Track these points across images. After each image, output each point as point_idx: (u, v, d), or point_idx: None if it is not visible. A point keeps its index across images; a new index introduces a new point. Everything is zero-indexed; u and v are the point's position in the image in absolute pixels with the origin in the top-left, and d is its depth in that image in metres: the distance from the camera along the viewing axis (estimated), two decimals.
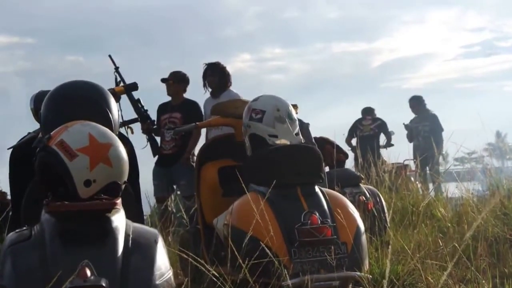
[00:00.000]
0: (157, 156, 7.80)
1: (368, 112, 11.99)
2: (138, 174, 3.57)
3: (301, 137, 4.27)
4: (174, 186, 8.03)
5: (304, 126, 4.61)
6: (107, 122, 3.04)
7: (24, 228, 2.75)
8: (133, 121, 5.56)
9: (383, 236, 5.65)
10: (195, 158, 8.08)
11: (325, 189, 4.02)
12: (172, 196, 8.06)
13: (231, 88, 7.63)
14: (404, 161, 10.64)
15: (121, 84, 6.10)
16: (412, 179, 10.06)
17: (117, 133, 3.14)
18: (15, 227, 3.43)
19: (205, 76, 7.64)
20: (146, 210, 7.60)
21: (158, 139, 7.78)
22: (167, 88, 7.84)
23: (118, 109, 3.57)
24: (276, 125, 4.18)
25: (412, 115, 12.13)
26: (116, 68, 6.22)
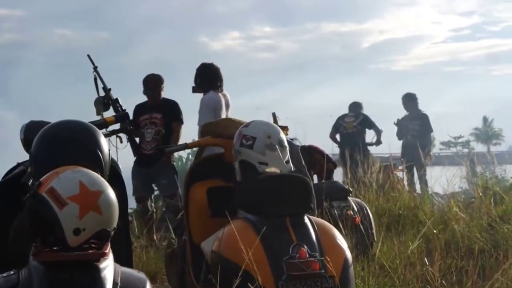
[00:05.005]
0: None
1: (353, 107, 11.97)
2: (127, 208, 3.56)
3: (291, 165, 4.25)
4: (153, 186, 8.11)
5: (294, 149, 4.58)
6: (98, 165, 3.03)
7: (12, 272, 2.74)
8: (121, 130, 5.55)
9: (369, 253, 5.66)
10: (175, 156, 8.23)
11: (314, 218, 4.01)
12: (153, 197, 8.18)
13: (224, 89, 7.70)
14: (391, 154, 10.69)
15: (102, 87, 6.08)
16: (399, 176, 10.09)
17: (108, 173, 3.13)
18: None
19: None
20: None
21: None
22: (152, 92, 7.89)
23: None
24: (266, 152, 4.16)
25: (402, 110, 12.15)
26: (95, 68, 6.22)
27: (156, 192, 8.49)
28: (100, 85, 6.06)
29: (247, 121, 4.42)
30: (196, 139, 6.79)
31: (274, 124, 4.44)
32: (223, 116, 7.40)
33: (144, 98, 8.06)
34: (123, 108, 6.17)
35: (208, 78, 7.58)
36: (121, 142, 5.64)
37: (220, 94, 7.55)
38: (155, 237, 7.53)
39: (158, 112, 7.82)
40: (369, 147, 11.71)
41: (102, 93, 6.02)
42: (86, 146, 3.09)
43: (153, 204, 8.02)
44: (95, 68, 6.20)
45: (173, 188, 7.78)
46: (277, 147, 4.17)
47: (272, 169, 4.14)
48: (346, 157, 9.43)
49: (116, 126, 5.08)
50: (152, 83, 7.90)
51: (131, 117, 7.17)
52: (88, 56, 6.32)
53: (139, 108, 7.92)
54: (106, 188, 2.74)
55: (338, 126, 11.73)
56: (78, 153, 3.01)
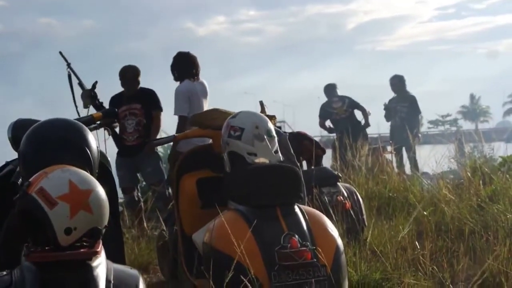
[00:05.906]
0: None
1: (331, 90, 11.75)
2: (117, 203, 3.56)
3: (280, 155, 4.26)
4: (138, 175, 8.12)
5: (282, 137, 4.59)
6: (87, 162, 3.02)
7: (4, 273, 2.74)
8: (107, 124, 5.53)
9: (360, 237, 5.69)
10: (164, 145, 8.25)
11: (304, 207, 4.02)
12: (139, 187, 8.21)
13: (201, 77, 7.76)
14: (379, 135, 10.70)
15: (78, 82, 6.06)
16: (389, 158, 10.12)
17: (97, 170, 3.12)
18: None
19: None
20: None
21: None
22: (130, 83, 7.90)
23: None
24: (255, 143, 4.16)
25: (389, 91, 12.12)
26: (68, 64, 6.20)
27: (143, 183, 8.52)
28: (75, 81, 6.04)
29: (235, 112, 4.42)
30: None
31: (262, 114, 4.44)
32: (201, 104, 7.46)
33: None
34: (101, 101, 6.18)
35: (183, 67, 7.62)
36: (109, 134, 5.64)
37: (195, 83, 7.57)
38: (145, 225, 7.55)
39: (137, 102, 7.85)
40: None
41: (77, 89, 6.00)
42: (74, 145, 3.08)
43: (139, 194, 8.03)
44: (68, 64, 6.19)
45: (158, 175, 7.83)
46: (265, 137, 4.17)
47: (261, 160, 4.14)
48: (344, 142, 9.38)
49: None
50: (130, 74, 7.91)
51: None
52: (60, 53, 6.30)
53: (116, 100, 7.87)
54: (95, 186, 2.74)
55: (329, 114, 11.47)
56: (66, 152, 3.00)
